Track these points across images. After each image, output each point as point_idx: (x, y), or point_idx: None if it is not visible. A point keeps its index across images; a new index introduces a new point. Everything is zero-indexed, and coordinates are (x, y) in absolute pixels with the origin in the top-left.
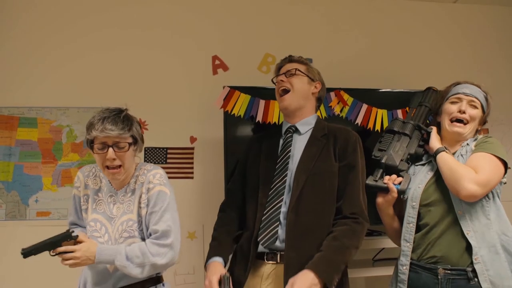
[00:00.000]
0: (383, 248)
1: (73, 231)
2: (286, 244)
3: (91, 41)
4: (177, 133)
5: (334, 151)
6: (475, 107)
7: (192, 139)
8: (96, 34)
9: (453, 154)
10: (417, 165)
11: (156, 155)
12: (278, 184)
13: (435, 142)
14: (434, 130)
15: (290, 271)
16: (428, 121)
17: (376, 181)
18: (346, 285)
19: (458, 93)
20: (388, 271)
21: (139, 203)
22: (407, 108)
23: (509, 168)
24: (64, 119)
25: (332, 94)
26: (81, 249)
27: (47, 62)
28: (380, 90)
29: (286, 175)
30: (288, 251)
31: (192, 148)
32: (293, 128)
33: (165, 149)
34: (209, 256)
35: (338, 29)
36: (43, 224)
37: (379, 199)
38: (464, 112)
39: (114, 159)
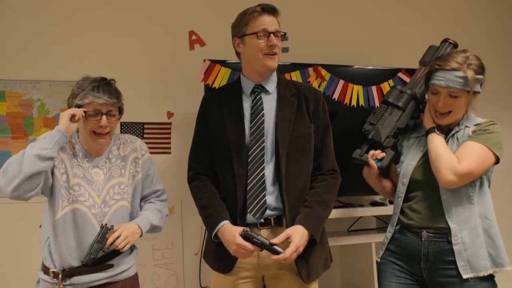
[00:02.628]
0: (361, 217)
1: (106, 224)
2: (287, 210)
3: (64, 13)
4: (154, 108)
5: (308, 113)
6: (456, 96)
7: (169, 114)
8: (70, 6)
9: (448, 132)
10: (411, 137)
11: (133, 130)
12: (257, 151)
13: (427, 119)
14: (427, 106)
15: None
16: None
17: (361, 155)
18: (325, 235)
19: (435, 85)
20: (363, 239)
21: (134, 167)
22: (402, 73)
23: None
24: (35, 92)
25: (311, 69)
26: (123, 230)
27: (16, 32)
28: (356, 67)
29: (263, 140)
30: (289, 215)
31: (169, 123)
32: (260, 88)
33: (141, 124)
34: (213, 224)
35: (315, 6)
36: (14, 202)
37: (365, 171)
38: (443, 107)
39: (106, 126)
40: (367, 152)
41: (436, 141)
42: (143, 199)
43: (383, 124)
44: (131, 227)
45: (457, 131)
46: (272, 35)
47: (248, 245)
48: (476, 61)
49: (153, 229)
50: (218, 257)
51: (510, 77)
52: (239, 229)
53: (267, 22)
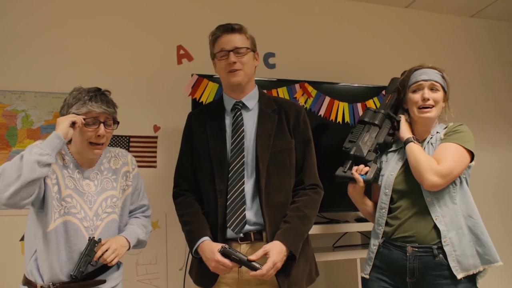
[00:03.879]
0: (346, 233)
1: (94, 237)
2: (267, 225)
3: (50, 24)
4: (140, 122)
5: (288, 128)
6: (437, 90)
7: (156, 128)
8: (57, 18)
9: (423, 141)
10: (389, 152)
11: (119, 143)
12: (237, 167)
13: (404, 131)
14: (403, 118)
15: None
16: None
17: (345, 172)
18: (309, 249)
19: (418, 81)
20: (348, 255)
21: (125, 181)
22: (384, 91)
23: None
24: (19, 103)
25: (297, 86)
26: (112, 243)
27: (2, 43)
28: (342, 84)
29: (243, 156)
30: (269, 230)
31: (156, 137)
32: (240, 104)
33: (127, 137)
34: (193, 240)
35: (302, 26)
36: None
37: (350, 189)
38: (428, 99)
39: (103, 136)
40: (350, 168)
41: (415, 148)
42: (129, 213)
43: (363, 140)
44: (120, 240)
45: (431, 138)
46: (231, 53)
47: (226, 261)
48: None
49: (139, 243)
50: (201, 272)
51: (499, 96)
52: (218, 245)
53: (225, 41)
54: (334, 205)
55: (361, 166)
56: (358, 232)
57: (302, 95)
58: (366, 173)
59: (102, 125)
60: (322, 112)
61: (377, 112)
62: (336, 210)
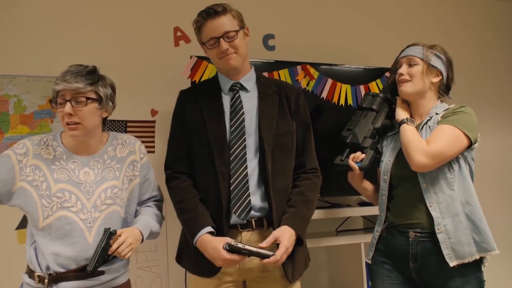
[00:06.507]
0: (349, 217)
1: (109, 228)
2: (274, 209)
3: (44, 6)
4: (137, 106)
5: (290, 111)
6: (415, 64)
7: (153, 112)
8: (50, 2)
9: (420, 123)
10: (389, 136)
11: (115, 128)
12: (239, 149)
13: (399, 112)
14: (398, 100)
15: None
16: None
17: (342, 160)
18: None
19: (398, 61)
20: (352, 240)
21: (132, 171)
22: (387, 73)
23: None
24: (11, 88)
25: (299, 68)
26: (128, 236)
27: None
28: (344, 66)
29: (244, 138)
30: (275, 214)
31: (153, 121)
32: (238, 86)
33: (124, 122)
34: (194, 230)
35: (304, 6)
36: None
37: (349, 177)
38: (402, 74)
39: (70, 114)
40: (347, 156)
41: (407, 130)
42: (140, 203)
43: (359, 127)
44: (135, 233)
45: (428, 120)
46: (221, 39)
47: (236, 258)
48: (440, 47)
49: (151, 235)
50: (201, 260)
51: (501, 79)
52: (221, 241)
53: (213, 28)
54: (337, 189)
55: (358, 153)
56: (361, 216)
57: (304, 77)
58: (362, 160)
59: (68, 103)
60: (324, 94)
61: (375, 96)
62: (338, 195)
